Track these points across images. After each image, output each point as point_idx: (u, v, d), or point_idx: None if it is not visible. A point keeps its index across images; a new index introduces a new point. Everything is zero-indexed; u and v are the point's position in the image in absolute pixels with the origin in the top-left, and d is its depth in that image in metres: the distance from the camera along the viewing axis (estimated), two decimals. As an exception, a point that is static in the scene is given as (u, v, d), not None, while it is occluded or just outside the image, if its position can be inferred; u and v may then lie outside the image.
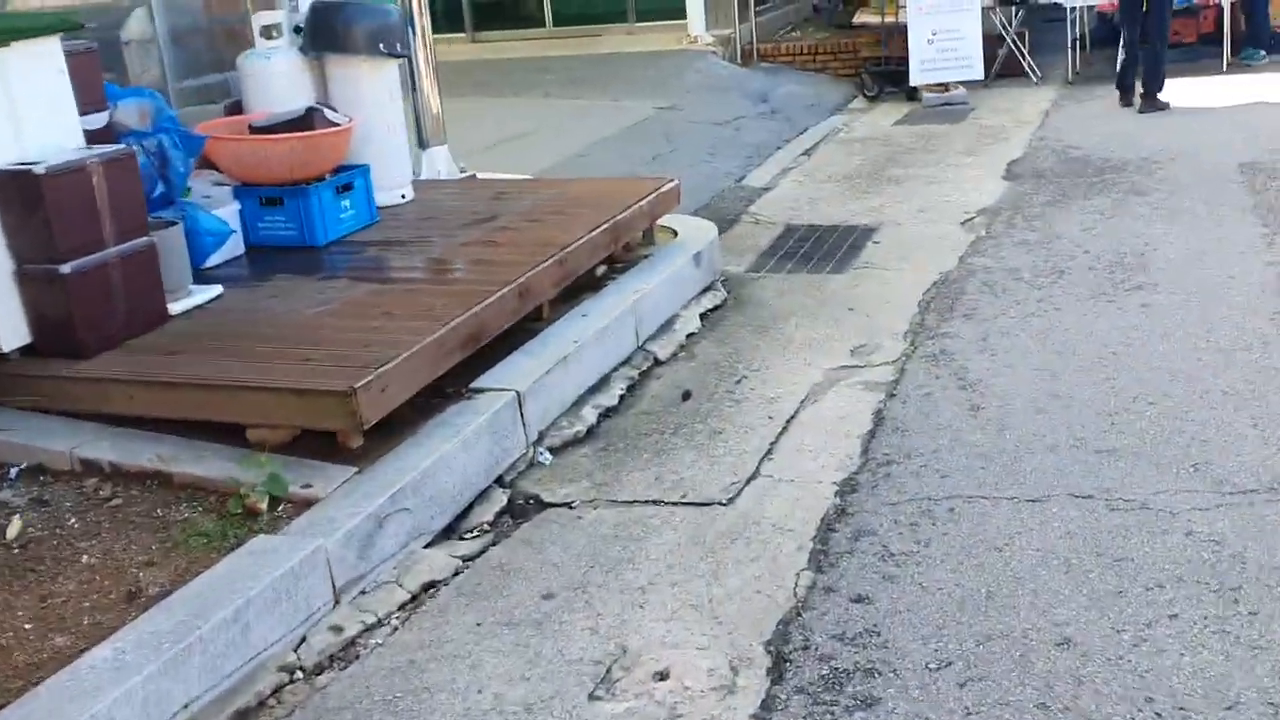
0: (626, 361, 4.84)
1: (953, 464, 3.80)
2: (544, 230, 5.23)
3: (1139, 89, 9.48)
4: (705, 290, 5.72)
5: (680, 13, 12.22)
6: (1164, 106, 9.33)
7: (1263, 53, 10.96)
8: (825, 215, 7.27)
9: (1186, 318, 4.79)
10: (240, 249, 5.14)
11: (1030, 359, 4.61)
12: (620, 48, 12.44)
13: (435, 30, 7.22)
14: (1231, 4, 10.62)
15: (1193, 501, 3.42)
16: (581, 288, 5.11)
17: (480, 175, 7.02)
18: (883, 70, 11.45)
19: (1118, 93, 9.82)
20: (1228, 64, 10.73)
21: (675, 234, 6.03)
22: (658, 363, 4.91)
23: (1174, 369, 4.34)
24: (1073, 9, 11.18)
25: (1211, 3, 10.79)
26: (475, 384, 4.12)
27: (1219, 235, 5.78)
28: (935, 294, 5.52)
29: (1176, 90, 9.97)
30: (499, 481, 3.91)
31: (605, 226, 5.19)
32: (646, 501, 3.75)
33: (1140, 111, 9.39)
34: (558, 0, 13.40)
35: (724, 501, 3.70)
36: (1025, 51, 11.67)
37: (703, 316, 5.43)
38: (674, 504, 3.72)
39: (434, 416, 3.89)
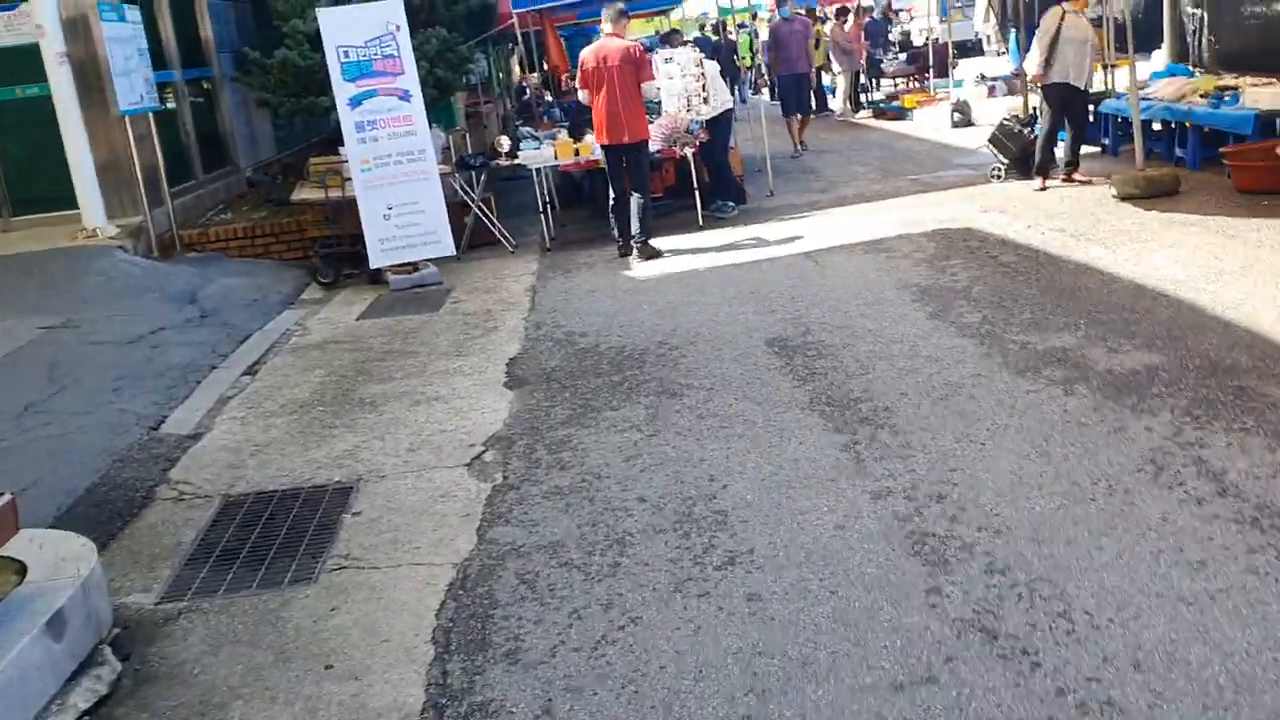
0: None
1: None
2: None
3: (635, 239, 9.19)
4: (78, 675, 3.41)
5: (70, 201, 9.58)
6: (658, 253, 9.13)
7: (731, 204, 10.65)
8: (280, 472, 5.22)
9: (816, 616, 3.32)
10: None
11: (626, 738, 2.88)
12: (-11, 249, 9.53)
13: None
14: (695, 158, 10.18)
15: None
16: None
17: None
18: (336, 252, 9.67)
19: (619, 243, 9.38)
20: (703, 218, 10.26)
21: (20, 574, 3.66)
22: None
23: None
24: (537, 170, 10.18)
25: (677, 156, 10.29)
26: None
27: (793, 455, 4.53)
28: (455, 613, 3.66)
29: (665, 248, 9.24)
30: None
31: None
32: None
33: (641, 259, 9.04)
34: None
35: None
36: (495, 218, 10.49)
37: (73, 736, 3.14)
38: None
39: None
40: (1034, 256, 7.30)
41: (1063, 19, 9.36)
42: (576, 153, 10.12)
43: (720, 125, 10.57)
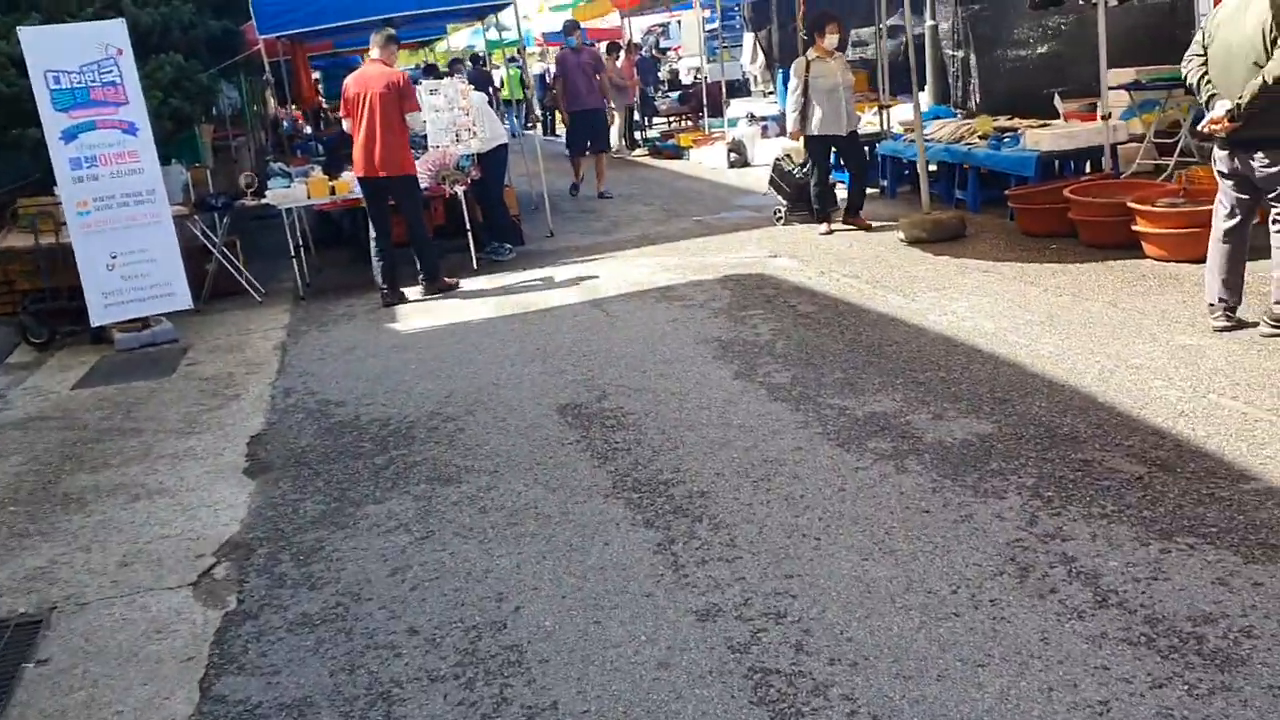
0: None
1: None
2: None
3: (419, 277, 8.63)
4: None
5: None
6: (453, 286, 8.74)
7: (508, 246, 9.90)
8: (-57, 606, 4.05)
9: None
10: None
11: None
12: None
13: None
14: (466, 196, 9.37)
15: None
16: None
17: None
18: (50, 307, 8.29)
19: (382, 290, 8.55)
20: (477, 261, 9.45)
21: None
22: None
23: None
24: (287, 210, 9.11)
25: (446, 194, 9.45)
26: None
27: (599, 561, 3.78)
28: (160, 823, 2.72)
29: (426, 298, 8.40)
30: None
31: None
32: None
33: (425, 295, 8.58)
34: None
35: None
36: (241, 265, 9.34)
37: None
38: None
39: None
40: (833, 306, 6.88)
41: (808, 68, 9.00)
42: (333, 190, 9.13)
43: (493, 161, 9.82)
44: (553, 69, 23.92)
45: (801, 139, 9.28)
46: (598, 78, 13.39)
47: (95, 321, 7.91)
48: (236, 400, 6.36)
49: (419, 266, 8.60)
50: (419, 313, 8.07)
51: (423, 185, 9.08)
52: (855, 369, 5.52)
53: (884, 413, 4.84)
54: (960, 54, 13.64)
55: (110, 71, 7.85)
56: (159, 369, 7.31)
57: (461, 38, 27.96)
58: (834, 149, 9.38)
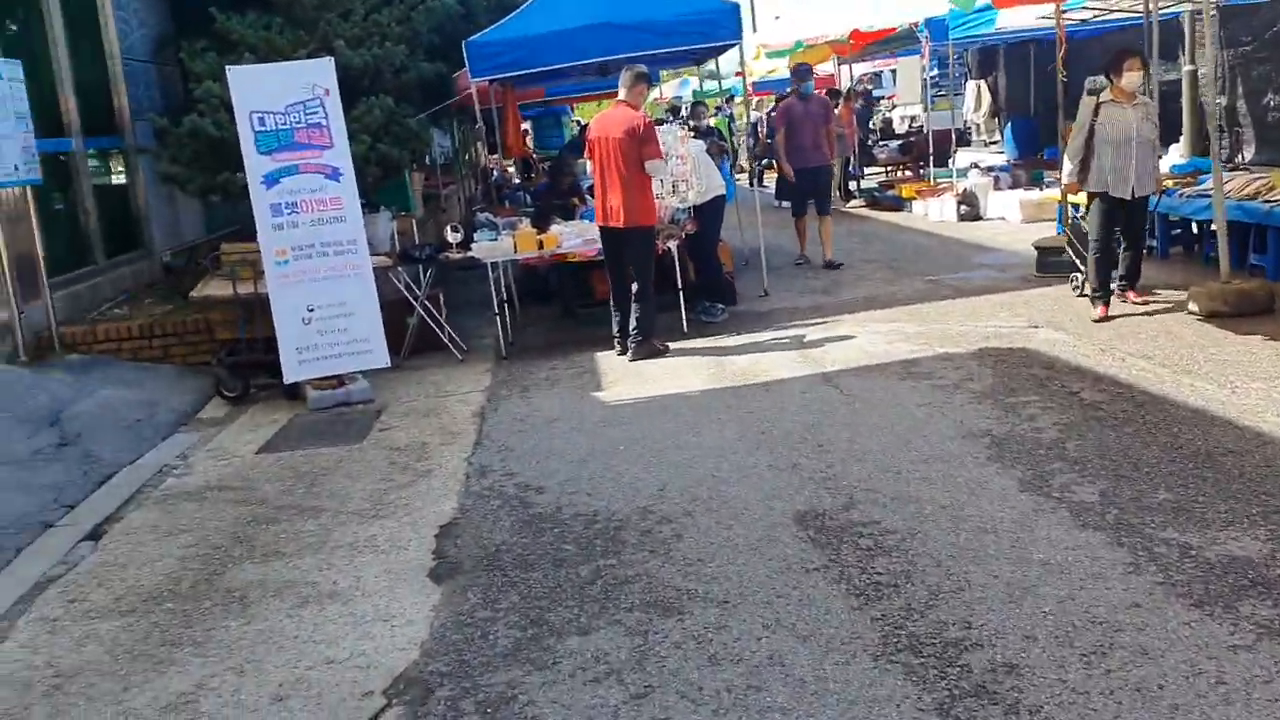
0: None
1: None
2: None
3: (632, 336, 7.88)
4: None
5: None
6: (661, 351, 7.92)
7: (721, 307, 9.04)
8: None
9: None
10: None
11: None
12: None
13: None
14: (680, 251, 8.57)
15: None
16: None
17: None
18: (246, 360, 7.91)
19: (615, 338, 8.07)
20: (687, 323, 8.62)
21: None
22: None
23: None
24: (494, 265, 8.52)
25: (660, 250, 8.68)
26: None
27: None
28: None
29: (639, 364, 7.60)
30: None
31: None
32: None
33: (631, 360, 7.79)
34: None
35: None
36: (443, 320, 8.80)
37: None
38: None
39: None
40: (1127, 395, 5.66)
41: (1096, 112, 7.47)
42: (540, 244, 8.49)
43: (710, 214, 8.99)
44: (763, 118, 23.17)
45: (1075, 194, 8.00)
46: (824, 130, 11.55)
47: (289, 378, 7.45)
48: (428, 477, 5.67)
49: (634, 326, 7.86)
50: (629, 379, 7.27)
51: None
52: (1186, 487, 4.32)
53: (1247, 558, 3.65)
54: (1224, 101, 12.07)
55: (316, 112, 7.42)
56: (350, 433, 6.74)
57: (669, 88, 27.60)
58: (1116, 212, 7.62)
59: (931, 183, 15.58)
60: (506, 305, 8.81)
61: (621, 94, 7.78)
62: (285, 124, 7.40)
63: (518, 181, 24.66)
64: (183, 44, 10.15)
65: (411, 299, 8.64)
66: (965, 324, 7.76)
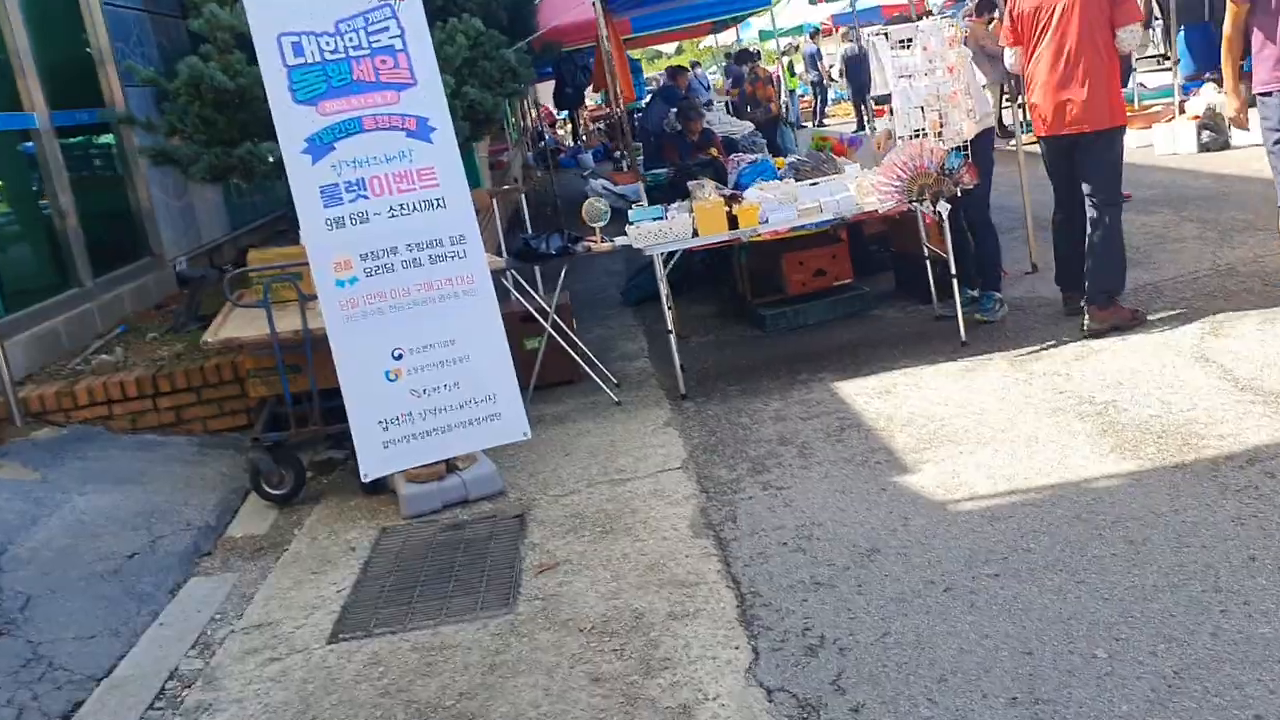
0: None
1: None
2: None
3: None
4: None
5: None
6: (1138, 319, 5.36)
7: (1000, 297, 5.99)
8: None
9: None
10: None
11: None
12: None
13: None
14: (950, 218, 5.52)
15: None
16: None
17: None
18: (296, 434, 4.97)
19: (1063, 297, 5.63)
20: (964, 325, 5.59)
21: None
22: None
23: None
24: (658, 256, 5.52)
25: (926, 219, 5.66)
26: None
27: None
28: None
29: (900, 388, 4.47)
30: None
31: None
32: None
33: (1090, 333, 5.24)
34: None
35: None
36: (578, 340, 5.86)
37: None
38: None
39: None
40: None
41: None
42: (733, 221, 5.46)
43: (982, 155, 5.90)
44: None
45: None
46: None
47: (369, 473, 4.47)
48: (687, 715, 2.71)
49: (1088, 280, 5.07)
50: (934, 438, 4.26)
51: (882, 206, 5.33)
52: None
53: None
54: None
55: (385, 29, 4.43)
56: (484, 576, 3.80)
57: (730, 34, 24.07)
58: None
59: (1136, 105, 12.29)
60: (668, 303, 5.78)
61: None
62: (337, 52, 4.42)
63: (571, 144, 21.45)
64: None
65: (539, 315, 5.68)
66: None
